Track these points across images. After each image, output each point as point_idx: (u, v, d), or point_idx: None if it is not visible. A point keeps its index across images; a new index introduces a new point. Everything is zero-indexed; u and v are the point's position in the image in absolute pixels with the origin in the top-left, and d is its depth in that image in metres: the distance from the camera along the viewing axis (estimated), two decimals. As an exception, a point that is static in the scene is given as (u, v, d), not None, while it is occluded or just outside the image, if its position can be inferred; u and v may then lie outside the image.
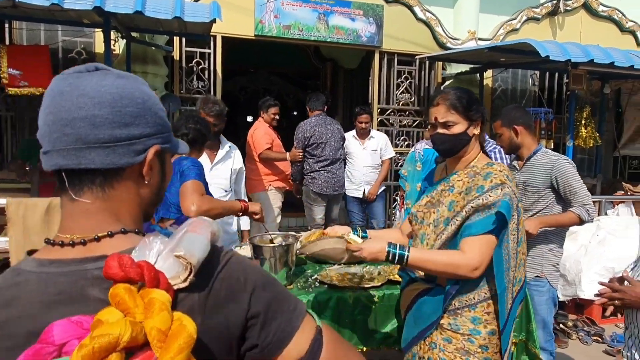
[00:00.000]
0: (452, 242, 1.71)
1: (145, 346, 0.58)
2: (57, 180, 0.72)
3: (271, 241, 2.31)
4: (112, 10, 3.26)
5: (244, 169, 3.69)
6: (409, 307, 1.87)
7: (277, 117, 4.83)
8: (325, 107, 4.85)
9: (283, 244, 2.25)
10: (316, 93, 5.15)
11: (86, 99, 0.69)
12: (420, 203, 1.88)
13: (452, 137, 1.74)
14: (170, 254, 0.66)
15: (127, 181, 0.73)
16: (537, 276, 2.73)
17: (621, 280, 1.96)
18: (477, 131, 1.77)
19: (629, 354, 2.04)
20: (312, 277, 2.32)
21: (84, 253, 0.69)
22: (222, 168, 3.38)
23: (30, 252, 0.73)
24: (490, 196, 1.63)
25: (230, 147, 3.47)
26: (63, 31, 4.69)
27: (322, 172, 4.63)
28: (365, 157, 4.90)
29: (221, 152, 3.39)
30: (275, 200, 4.78)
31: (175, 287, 0.65)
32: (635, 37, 6.57)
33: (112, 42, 4.14)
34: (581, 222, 2.64)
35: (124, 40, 4.54)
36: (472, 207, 1.65)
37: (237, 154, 3.54)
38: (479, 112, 1.76)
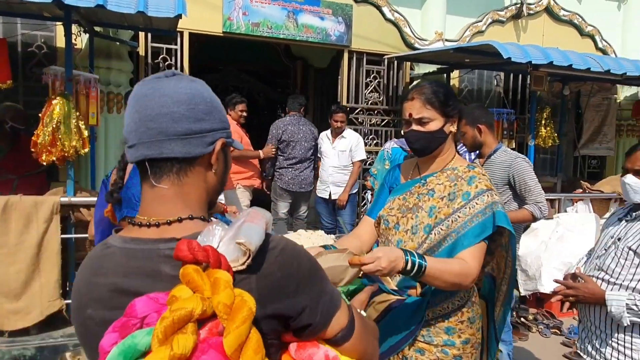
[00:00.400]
0: (433, 252, 1.60)
1: (212, 318, 0.70)
2: (140, 171, 0.85)
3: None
4: (73, 3, 3.16)
5: None
6: (376, 320, 1.72)
7: (244, 113, 4.83)
8: (302, 108, 5.03)
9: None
10: (295, 95, 5.42)
11: (167, 98, 0.81)
12: (390, 206, 1.74)
13: (428, 135, 1.62)
14: (232, 241, 0.76)
15: (199, 168, 0.85)
16: (496, 270, 2.81)
17: (575, 277, 2.03)
18: (453, 128, 1.67)
19: (582, 346, 2.13)
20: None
21: (158, 234, 0.81)
22: None
23: (117, 230, 0.87)
24: (477, 204, 1.57)
25: None
26: (22, 24, 4.53)
27: (290, 169, 4.83)
28: (333, 157, 4.85)
29: None
30: (243, 198, 4.77)
31: (234, 269, 0.75)
32: (594, 40, 6.82)
33: (74, 36, 4.03)
34: (534, 219, 2.74)
35: (87, 35, 4.42)
36: (459, 216, 1.57)
37: None
38: (456, 108, 1.65)
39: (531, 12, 6.45)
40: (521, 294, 4.48)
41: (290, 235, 3.37)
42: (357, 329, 0.91)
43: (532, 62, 4.32)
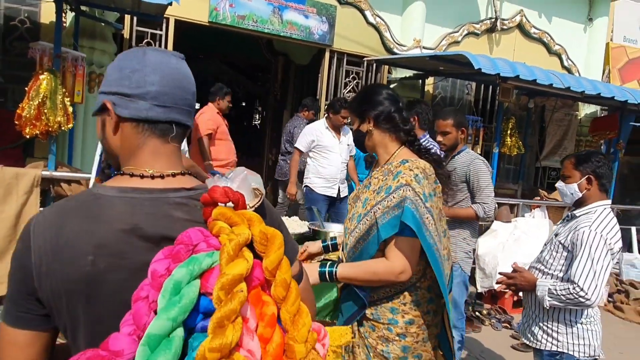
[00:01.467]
0: (364, 240, 1.72)
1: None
2: (155, 128, 0.90)
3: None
4: (66, -18, 3.23)
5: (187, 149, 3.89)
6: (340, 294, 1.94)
7: (231, 104, 5.17)
8: (304, 109, 5.64)
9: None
10: (310, 98, 5.93)
11: (191, 79, 0.95)
12: (350, 195, 1.98)
13: (354, 134, 1.93)
14: (244, 187, 0.90)
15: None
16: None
17: (514, 270, 2.31)
18: (369, 127, 1.82)
19: (521, 328, 2.40)
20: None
21: (164, 185, 0.88)
22: None
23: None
24: (393, 197, 1.65)
25: None
26: (7, -3, 4.53)
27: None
28: (342, 152, 4.65)
29: None
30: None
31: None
32: (561, 59, 7.23)
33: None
34: (477, 217, 2.98)
35: (72, 13, 4.46)
36: (379, 208, 1.67)
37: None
38: (368, 109, 1.81)
39: (504, 27, 6.80)
40: (478, 291, 4.77)
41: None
42: (304, 280, 1.06)
43: (501, 75, 4.61)
